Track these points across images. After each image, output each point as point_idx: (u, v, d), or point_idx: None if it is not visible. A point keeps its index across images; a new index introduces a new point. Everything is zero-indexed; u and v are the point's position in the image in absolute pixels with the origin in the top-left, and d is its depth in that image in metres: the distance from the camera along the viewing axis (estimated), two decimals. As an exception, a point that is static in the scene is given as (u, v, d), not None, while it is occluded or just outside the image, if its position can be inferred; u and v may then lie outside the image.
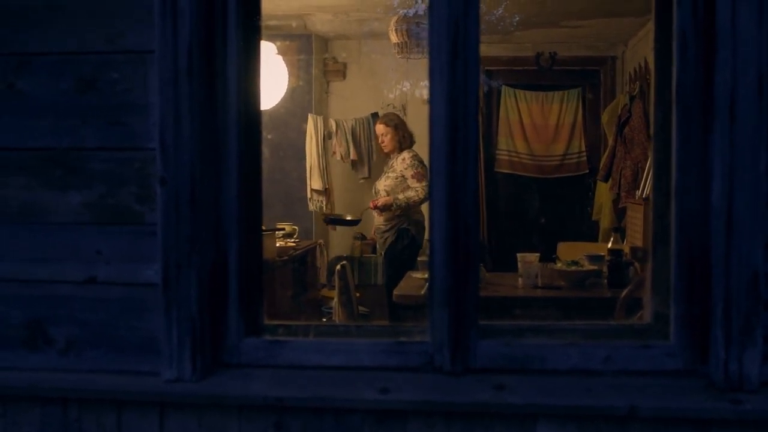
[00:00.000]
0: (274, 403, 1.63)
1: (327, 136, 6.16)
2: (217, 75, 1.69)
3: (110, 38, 1.67)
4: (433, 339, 1.67)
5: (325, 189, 5.97)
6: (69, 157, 1.70)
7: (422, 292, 3.48)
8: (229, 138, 1.69)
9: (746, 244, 1.57)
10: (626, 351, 1.66)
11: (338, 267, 3.73)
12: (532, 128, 6.46)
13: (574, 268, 3.65)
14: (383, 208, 4.72)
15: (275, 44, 4.60)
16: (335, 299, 3.90)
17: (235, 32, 1.69)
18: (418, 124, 6.46)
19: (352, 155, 6.23)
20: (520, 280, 3.68)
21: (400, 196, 4.71)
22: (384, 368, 1.69)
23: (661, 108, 1.72)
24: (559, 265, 3.73)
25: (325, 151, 6.06)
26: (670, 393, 1.59)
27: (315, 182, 5.91)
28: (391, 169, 4.87)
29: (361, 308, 4.72)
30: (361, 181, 6.36)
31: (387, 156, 5.06)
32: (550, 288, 3.60)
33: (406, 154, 4.84)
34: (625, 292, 2.94)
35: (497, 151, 6.54)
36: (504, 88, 6.50)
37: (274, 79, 4.17)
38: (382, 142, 4.97)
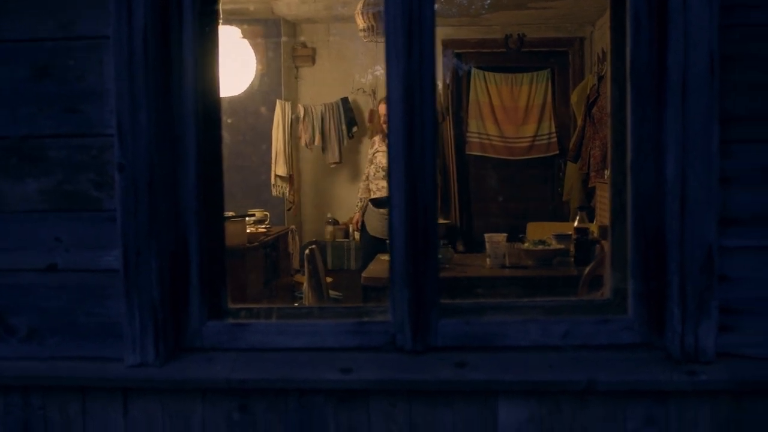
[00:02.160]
0: (237, 386, 1.64)
1: (294, 122, 6.14)
2: (174, 61, 1.69)
3: (64, 24, 1.66)
4: (394, 319, 1.69)
5: (290, 175, 5.95)
6: (26, 145, 1.69)
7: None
8: (187, 124, 1.69)
9: (699, 219, 1.60)
10: (585, 326, 1.69)
11: (307, 252, 3.74)
12: (502, 110, 6.49)
13: (540, 247, 3.69)
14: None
15: (240, 29, 4.54)
16: (305, 284, 3.91)
17: (191, 17, 1.68)
18: (389, 107, 6.46)
19: (317, 141, 6.22)
20: (488, 260, 3.72)
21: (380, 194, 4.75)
22: (347, 349, 1.71)
23: (617, 87, 1.74)
24: (526, 244, 3.77)
25: (291, 137, 6.04)
26: (628, 366, 1.63)
27: (279, 168, 5.89)
28: (368, 160, 4.94)
29: (334, 293, 4.74)
30: (333, 166, 6.35)
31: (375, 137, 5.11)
32: (517, 267, 3.64)
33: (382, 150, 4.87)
34: (588, 269, 2.98)
35: (468, 134, 6.55)
36: (473, 71, 6.51)
37: (241, 64, 4.14)
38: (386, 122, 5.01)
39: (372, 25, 3.93)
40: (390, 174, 1.67)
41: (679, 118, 1.59)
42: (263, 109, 5.98)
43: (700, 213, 1.60)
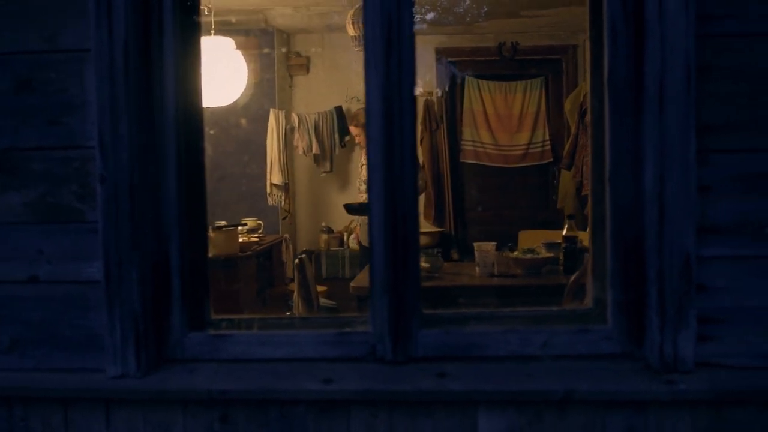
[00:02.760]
0: (218, 397, 1.64)
1: (289, 131, 6.16)
2: (155, 73, 1.70)
3: (46, 38, 1.67)
4: (374, 329, 1.69)
5: (285, 184, 5.97)
6: (8, 158, 1.70)
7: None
8: (168, 135, 1.70)
9: (678, 228, 1.60)
10: (564, 336, 1.70)
11: (296, 261, 3.74)
12: (496, 118, 6.50)
13: (529, 256, 3.70)
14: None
15: (234, 40, 4.56)
16: (295, 293, 3.92)
17: (172, 30, 1.69)
18: (383, 116, 6.48)
19: (314, 149, 6.24)
20: (477, 269, 3.72)
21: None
22: (328, 359, 1.71)
23: (597, 95, 1.75)
24: (515, 253, 3.78)
25: (286, 146, 6.06)
26: (607, 376, 1.63)
27: (275, 177, 5.91)
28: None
29: (328, 302, 4.73)
30: (323, 175, 6.37)
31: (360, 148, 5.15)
32: (506, 276, 3.65)
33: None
34: (573, 277, 2.98)
35: (462, 142, 6.57)
36: (467, 79, 6.53)
37: (233, 74, 4.15)
38: (360, 142, 5.11)
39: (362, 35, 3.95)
40: (370, 183, 1.68)
41: (657, 127, 1.60)
42: (257, 119, 6.00)
43: (679, 222, 1.60)
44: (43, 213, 1.69)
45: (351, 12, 4.03)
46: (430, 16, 5.89)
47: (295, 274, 3.76)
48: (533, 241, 4.19)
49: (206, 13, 3.87)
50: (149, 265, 1.69)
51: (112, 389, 1.67)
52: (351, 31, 4.05)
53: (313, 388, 1.62)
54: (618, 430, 1.62)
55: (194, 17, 1.75)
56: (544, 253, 3.74)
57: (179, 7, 1.70)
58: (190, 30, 1.75)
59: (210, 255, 4.25)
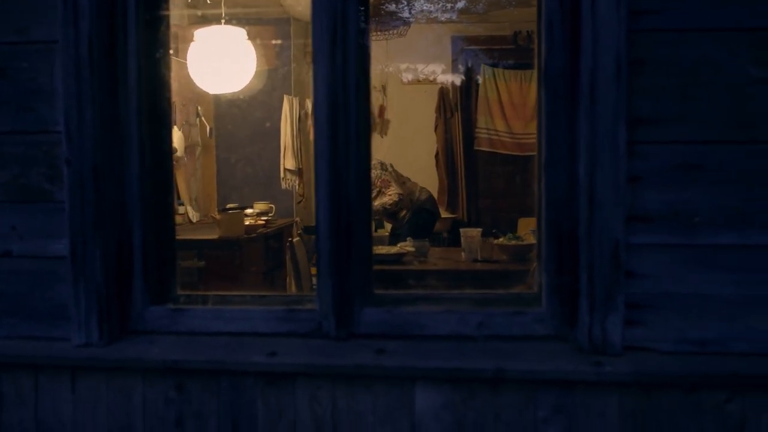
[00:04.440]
0: (173, 366, 1.76)
1: (303, 117, 6.27)
2: (120, 63, 1.81)
3: (19, 30, 1.79)
4: (320, 307, 1.79)
5: (299, 169, 6.09)
6: (-13, 141, 1.83)
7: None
8: (131, 124, 1.81)
9: (607, 217, 1.67)
10: (500, 317, 1.78)
11: (288, 243, 3.85)
12: (510, 106, 6.54)
13: (513, 242, 3.75)
14: None
15: (249, 29, 4.68)
16: (289, 274, 4.04)
17: (135, 24, 1.80)
18: (399, 104, 6.56)
19: (331, 135, 6.32)
20: (462, 254, 3.80)
21: (376, 203, 4.86)
22: (277, 334, 1.82)
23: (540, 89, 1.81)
24: (501, 239, 3.84)
25: (300, 132, 6.18)
26: (537, 356, 1.71)
27: (288, 162, 6.03)
28: None
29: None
30: (339, 160, 6.48)
31: None
32: (489, 261, 3.71)
33: None
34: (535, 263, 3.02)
35: (476, 130, 6.62)
36: (483, 67, 6.57)
37: (240, 64, 4.27)
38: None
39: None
40: (316, 171, 1.77)
41: (589, 118, 1.66)
42: (273, 106, 6.13)
43: (608, 210, 1.67)
44: (15, 193, 1.82)
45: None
46: (446, 4, 5.94)
47: (288, 255, 3.87)
48: (529, 227, 4.24)
49: (198, 5, 3.98)
50: (113, 243, 1.82)
51: (77, 357, 1.79)
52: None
53: (258, 361, 1.73)
54: (548, 409, 1.70)
55: (159, 12, 1.86)
56: (531, 240, 3.80)
57: (143, 3, 1.81)
58: (155, 22, 1.86)
59: (216, 237, 4.40)
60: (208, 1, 4.35)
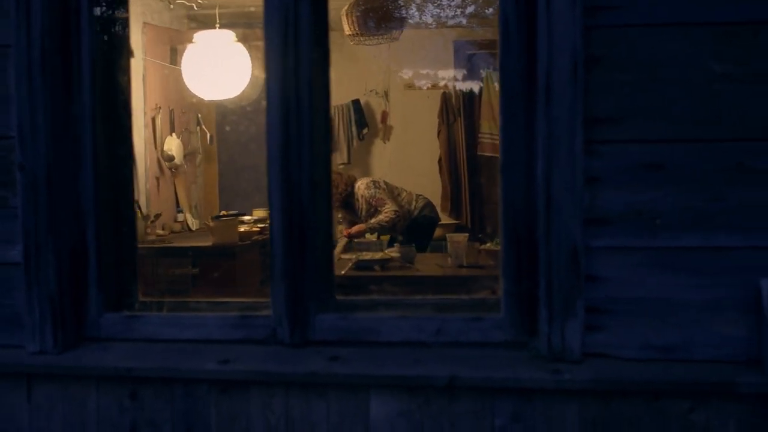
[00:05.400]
0: (125, 374, 1.73)
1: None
2: (74, 67, 1.79)
3: (-27, 34, 1.78)
4: (274, 313, 1.76)
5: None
6: (-55, 147, 1.82)
7: (342, 272, 3.64)
8: (85, 128, 1.80)
9: (565, 219, 1.62)
10: (457, 323, 1.73)
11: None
12: (514, 111, 6.45)
13: (499, 247, 3.69)
14: (357, 235, 4.84)
15: (245, 33, 4.68)
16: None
17: (88, 28, 1.78)
18: (402, 109, 6.52)
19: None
20: (449, 259, 3.75)
21: (372, 221, 4.82)
22: (232, 341, 1.79)
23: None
24: (488, 244, 3.79)
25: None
26: (495, 363, 1.66)
27: (290, 168, 6.00)
28: (355, 199, 4.99)
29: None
30: (341, 166, 6.45)
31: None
32: (475, 267, 3.66)
33: (360, 183, 4.94)
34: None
35: (480, 135, 6.55)
36: (485, 72, 6.51)
37: (234, 68, 4.26)
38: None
39: (357, 32, 4.00)
40: (269, 175, 1.74)
41: (545, 120, 1.62)
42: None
43: (566, 213, 1.62)
44: (-29, 199, 1.81)
45: (345, 8, 4.08)
46: (448, 8, 5.91)
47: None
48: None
49: (195, 8, 3.98)
50: (67, 249, 1.80)
51: (32, 365, 1.78)
52: (347, 28, 4.10)
53: (211, 368, 1.70)
54: (506, 417, 1.65)
55: (114, 13, 1.85)
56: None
57: (97, 5, 1.80)
58: (111, 26, 1.84)
59: (209, 244, 4.38)
60: (200, 1, 4.31)
